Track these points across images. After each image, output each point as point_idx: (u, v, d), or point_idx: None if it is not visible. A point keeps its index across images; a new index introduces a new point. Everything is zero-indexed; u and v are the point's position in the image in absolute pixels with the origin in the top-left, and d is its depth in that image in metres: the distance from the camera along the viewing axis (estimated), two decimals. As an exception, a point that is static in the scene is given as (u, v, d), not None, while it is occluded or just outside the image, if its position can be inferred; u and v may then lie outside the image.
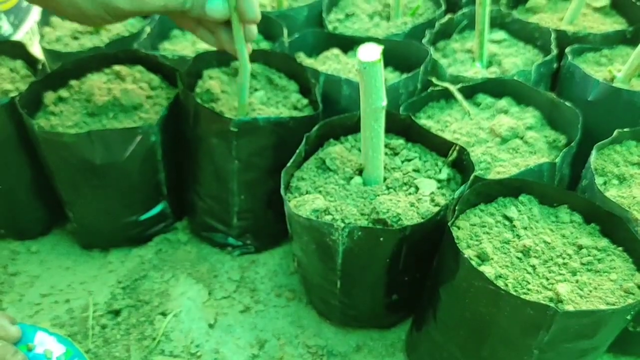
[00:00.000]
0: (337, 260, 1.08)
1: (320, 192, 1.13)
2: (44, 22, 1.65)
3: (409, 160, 1.18)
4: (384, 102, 1.01)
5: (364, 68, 0.97)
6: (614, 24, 1.64)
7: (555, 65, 1.46)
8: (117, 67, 1.41)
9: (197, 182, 1.38)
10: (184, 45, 1.63)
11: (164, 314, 1.28)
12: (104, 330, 1.27)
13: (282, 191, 1.09)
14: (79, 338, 1.25)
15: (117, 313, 1.30)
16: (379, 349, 1.25)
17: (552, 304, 0.88)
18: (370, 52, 0.97)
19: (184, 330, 1.24)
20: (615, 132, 1.20)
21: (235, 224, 1.38)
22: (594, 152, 1.16)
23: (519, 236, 1.03)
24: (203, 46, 1.59)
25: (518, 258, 0.99)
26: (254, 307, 1.32)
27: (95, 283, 1.38)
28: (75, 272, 1.42)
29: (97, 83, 1.36)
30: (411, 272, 1.14)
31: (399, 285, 1.16)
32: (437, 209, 1.06)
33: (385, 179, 1.14)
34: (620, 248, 1.01)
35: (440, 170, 1.15)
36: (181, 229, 1.51)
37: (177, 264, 1.41)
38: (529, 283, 0.95)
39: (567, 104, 1.27)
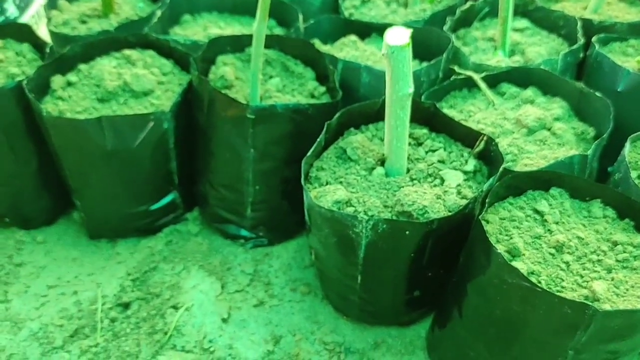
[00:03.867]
0: (359, 254, 1.03)
1: (341, 182, 1.08)
2: (51, 5, 1.60)
3: (434, 151, 1.13)
4: (411, 89, 0.97)
5: (392, 52, 0.92)
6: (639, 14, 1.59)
7: (581, 55, 1.41)
8: (127, 52, 1.36)
9: (210, 171, 1.33)
10: (195, 30, 1.58)
11: (175, 308, 1.23)
12: (114, 323, 1.22)
13: (302, 181, 1.04)
14: (87, 331, 1.21)
15: (126, 306, 1.26)
16: (398, 347, 1.21)
17: (589, 303, 0.84)
18: (399, 36, 0.92)
19: (197, 325, 1.20)
20: (649, 124, 1.15)
21: (249, 215, 1.34)
22: (627, 145, 1.11)
23: (550, 231, 0.98)
24: (215, 31, 1.54)
25: (551, 254, 0.95)
26: (268, 301, 1.28)
27: (103, 274, 1.34)
28: (83, 263, 1.37)
29: (107, 67, 1.31)
30: (435, 267, 1.09)
31: (421, 280, 1.11)
32: (464, 201, 1.01)
33: (408, 170, 1.09)
34: (656, 245, 0.97)
35: (466, 162, 1.10)
36: (192, 220, 1.46)
37: (189, 256, 1.36)
38: (563, 280, 0.91)
39: (597, 94, 1.22)
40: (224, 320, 1.22)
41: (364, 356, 1.19)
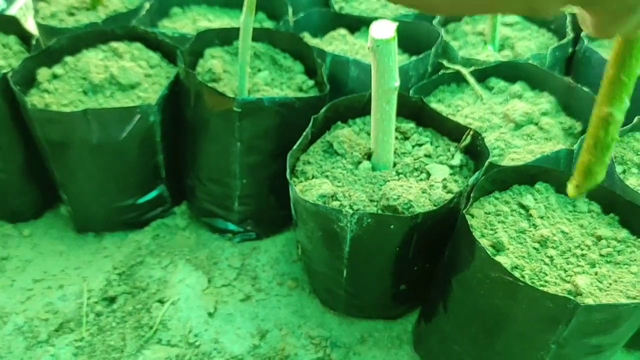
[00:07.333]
0: (344, 248, 1.03)
1: (327, 176, 1.08)
2: (39, -3, 1.59)
3: (420, 145, 1.12)
4: (397, 83, 0.96)
5: (377, 46, 0.92)
6: (629, 9, 1.59)
7: (570, 50, 1.41)
8: (114, 44, 1.35)
9: (198, 165, 1.32)
10: (184, 23, 1.57)
11: (161, 302, 1.23)
12: (99, 317, 1.22)
13: (287, 175, 1.04)
14: (72, 326, 1.20)
15: (112, 300, 1.25)
16: (384, 341, 1.21)
17: (571, 297, 0.84)
18: (384, 29, 0.92)
19: (183, 319, 1.19)
20: (636, 119, 1.15)
21: (237, 209, 1.33)
22: (613, 140, 1.11)
23: (535, 226, 0.98)
24: (204, 24, 1.53)
25: (535, 248, 0.94)
26: (255, 295, 1.28)
27: (89, 268, 1.33)
28: (69, 257, 1.37)
29: (93, 60, 1.30)
30: (421, 261, 1.09)
31: (407, 275, 1.11)
32: (450, 196, 1.01)
33: (395, 164, 1.09)
34: (640, 239, 0.97)
35: (452, 156, 1.10)
36: (179, 214, 1.45)
37: (176, 250, 1.36)
38: (547, 275, 0.91)
39: (585, 89, 1.22)
40: (210, 315, 1.22)
41: (350, 350, 1.19)
